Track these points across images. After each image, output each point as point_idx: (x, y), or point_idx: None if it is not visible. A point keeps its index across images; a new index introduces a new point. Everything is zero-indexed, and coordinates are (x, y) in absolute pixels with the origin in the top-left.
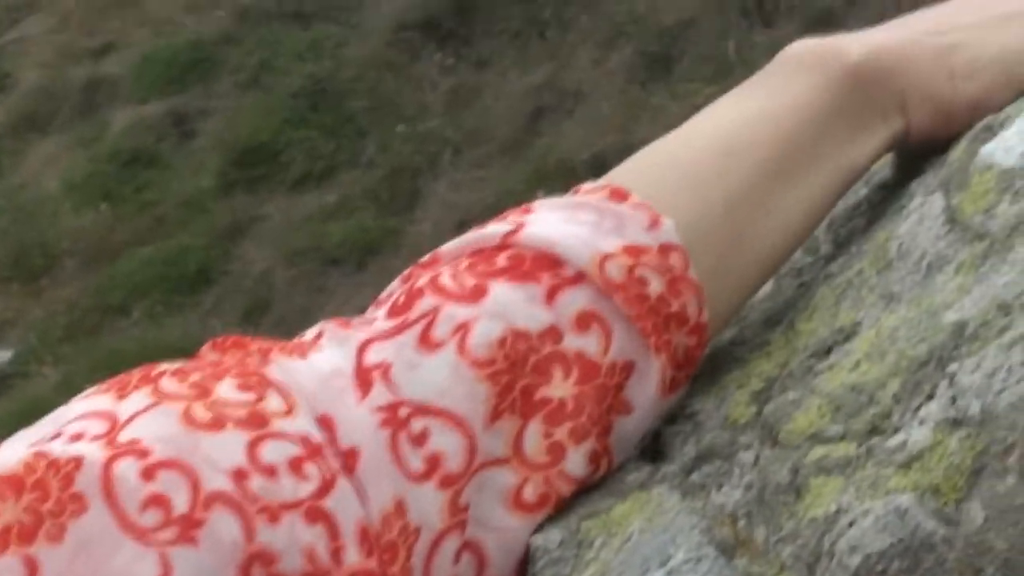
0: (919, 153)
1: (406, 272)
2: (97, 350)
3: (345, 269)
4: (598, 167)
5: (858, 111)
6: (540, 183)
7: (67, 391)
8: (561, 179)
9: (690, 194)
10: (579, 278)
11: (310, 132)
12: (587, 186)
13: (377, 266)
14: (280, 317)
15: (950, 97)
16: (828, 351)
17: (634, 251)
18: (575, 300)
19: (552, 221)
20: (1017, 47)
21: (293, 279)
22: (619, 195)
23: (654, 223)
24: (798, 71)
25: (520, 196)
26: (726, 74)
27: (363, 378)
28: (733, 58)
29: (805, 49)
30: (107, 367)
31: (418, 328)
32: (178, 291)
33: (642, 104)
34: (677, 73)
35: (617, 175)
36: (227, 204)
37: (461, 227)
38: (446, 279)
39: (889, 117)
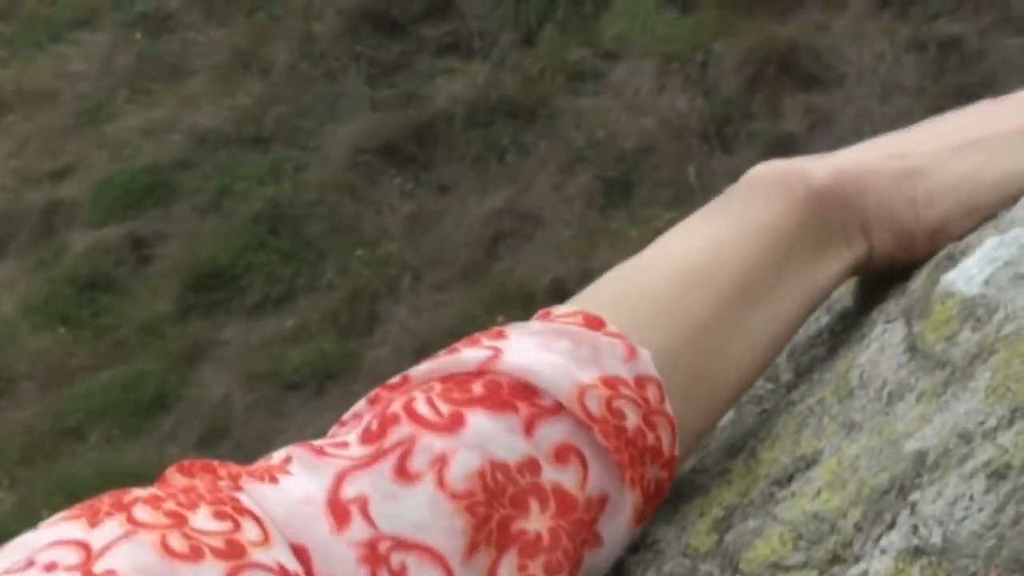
0: (880, 279)
1: (372, 393)
2: (53, 474)
3: (304, 394)
4: (557, 292)
5: (822, 234)
6: (500, 308)
7: (24, 515)
8: (520, 304)
9: (660, 320)
10: (557, 409)
11: (269, 256)
12: (560, 310)
13: (336, 390)
14: (238, 442)
15: (911, 223)
16: (789, 479)
17: (611, 383)
18: (554, 432)
19: (528, 348)
20: (976, 176)
21: (251, 404)
22: (594, 322)
23: (631, 354)
24: (763, 194)
25: (480, 321)
26: (686, 200)
27: (339, 510)
28: (693, 184)
29: (770, 171)
30: (64, 491)
31: (394, 457)
32: (135, 416)
33: (601, 230)
34: (637, 199)
35: (587, 300)
36: (185, 329)
37: (420, 352)
38: (421, 406)
39: (853, 241)
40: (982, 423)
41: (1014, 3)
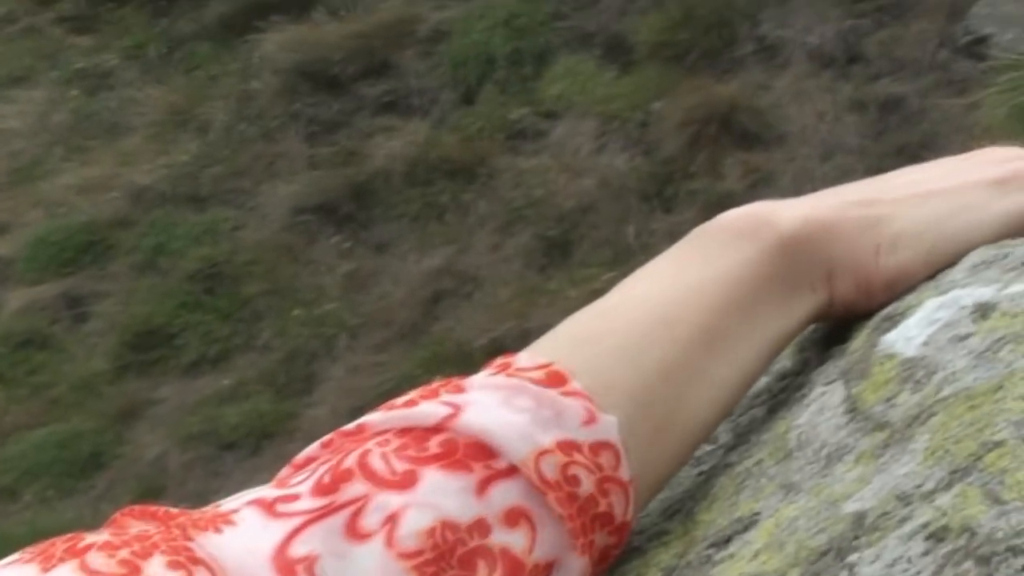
0: (819, 342)
1: (327, 438)
2: None
3: (240, 453)
4: (496, 353)
5: (788, 280)
6: (438, 368)
7: None
8: (459, 364)
9: (627, 365)
10: (512, 471)
11: (205, 315)
12: (522, 362)
13: (273, 450)
14: (174, 503)
15: (873, 270)
16: (727, 541)
17: (568, 447)
18: (506, 494)
19: (488, 405)
20: (939, 224)
21: (187, 463)
22: (557, 379)
23: (590, 419)
24: (732, 239)
25: (418, 381)
26: (625, 259)
27: (286, 567)
28: (633, 243)
29: (738, 217)
30: None
31: (346, 514)
32: (70, 475)
33: (540, 289)
34: (576, 258)
35: (551, 347)
36: (121, 387)
37: (357, 412)
38: (376, 461)
39: (816, 287)
40: (920, 485)
41: (955, 64)
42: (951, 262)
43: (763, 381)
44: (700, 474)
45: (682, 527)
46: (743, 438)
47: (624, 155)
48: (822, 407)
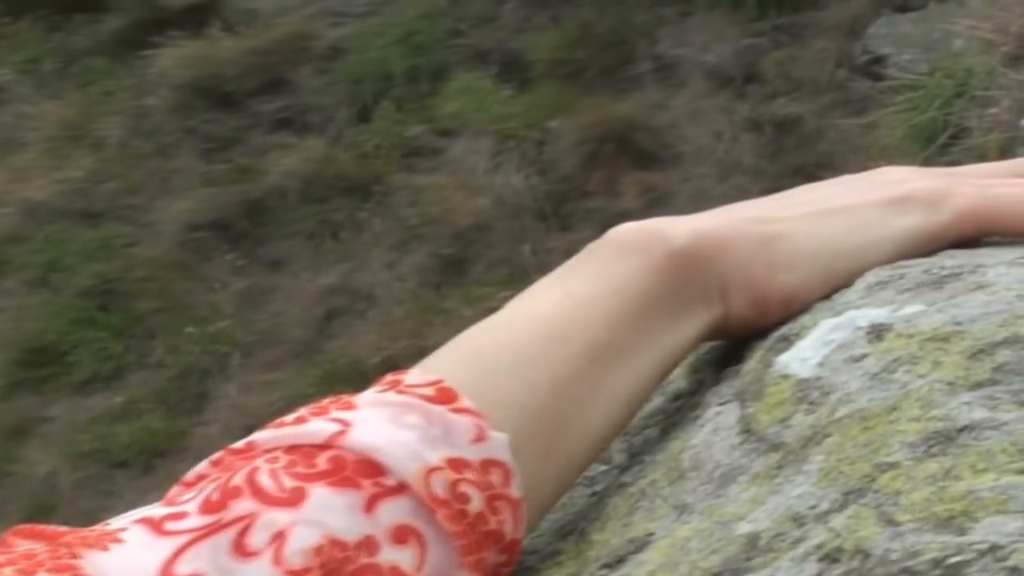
0: (714, 361)
1: (216, 455)
2: None
3: (131, 472)
4: (390, 371)
5: (681, 296)
6: (331, 386)
7: None
8: (353, 383)
9: (517, 381)
10: (400, 489)
11: (98, 332)
12: (412, 378)
13: (164, 469)
14: (65, 520)
15: (768, 287)
16: (620, 561)
17: (457, 465)
18: (394, 512)
19: (377, 422)
20: (836, 242)
21: (78, 482)
22: (446, 396)
23: (480, 436)
24: (623, 254)
25: (311, 399)
26: (520, 278)
27: None
28: (528, 262)
29: (630, 232)
30: None
31: (233, 532)
32: None
33: (435, 308)
34: (471, 277)
35: (443, 364)
36: (12, 404)
37: (250, 430)
38: (264, 478)
39: (710, 302)
40: (814, 506)
41: (852, 84)
42: (847, 281)
43: (657, 401)
44: (594, 494)
45: (575, 547)
46: (637, 458)
47: (520, 173)
48: (716, 428)
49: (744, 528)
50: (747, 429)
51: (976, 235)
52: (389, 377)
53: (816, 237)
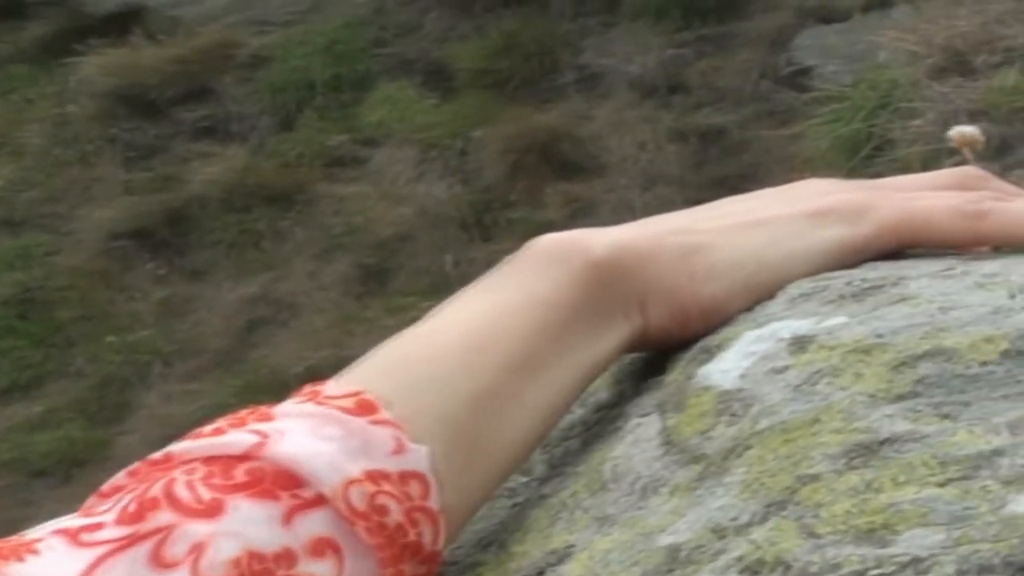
0: (635, 374)
1: (134, 466)
2: None
3: (51, 481)
4: (312, 381)
5: (601, 306)
6: (253, 396)
7: None
8: (274, 393)
9: (437, 391)
10: (319, 501)
11: (18, 341)
12: (332, 390)
13: (84, 478)
14: None
15: (688, 298)
16: (540, 573)
17: (376, 477)
18: (313, 524)
19: (297, 433)
20: (758, 254)
21: None
22: (366, 408)
23: (399, 448)
24: (543, 265)
25: (232, 409)
26: (442, 288)
27: None
28: (451, 272)
29: (550, 243)
30: None
31: (151, 543)
32: None
33: (357, 318)
34: (393, 287)
35: (363, 375)
36: None
37: (170, 440)
38: (182, 489)
39: (630, 314)
40: (735, 518)
41: (777, 95)
42: (769, 293)
43: (578, 413)
44: (515, 505)
45: (496, 559)
46: (558, 470)
47: (443, 183)
48: (637, 439)
49: (665, 540)
50: (669, 441)
51: (899, 247)
52: (308, 388)
53: (738, 249)
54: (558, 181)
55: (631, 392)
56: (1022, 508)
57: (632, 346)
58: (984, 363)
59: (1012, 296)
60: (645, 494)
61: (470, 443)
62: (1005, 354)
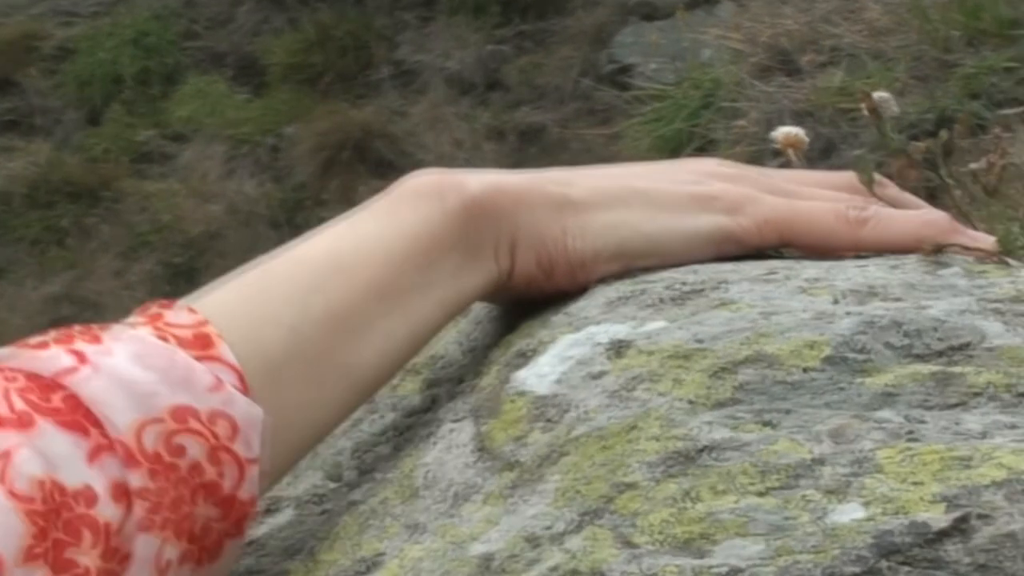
0: (452, 380)
1: None
2: None
3: None
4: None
5: (469, 244)
6: None
7: None
8: None
9: (291, 305)
10: (116, 444)
11: None
12: (175, 315)
13: None
14: None
15: (558, 250)
16: None
17: (184, 415)
18: (112, 467)
19: (116, 365)
20: (634, 223)
21: None
22: (202, 342)
23: (216, 386)
24: (415, 199)
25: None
26: None
27: None
28: None
29: (426, 179)
30: None
31: None
32: None
33: None
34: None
35: (216, 301)
36: None
37: None
38: None
39: (499, 255)
40: (550, 527)
41: (597, 93)
42: (640, 265)
43: (390, 417)
44: (323, 512)
45: (303, 567)
46: (368, 476)
47: (254, 181)
48: (450, 445)
49: (478, 549)
50: (482, 447)
51: (779, 244)
52: (154, 308)
53: (614, 213)
54: (372, 179)
55: (445, 397)
56: (843, 519)
57: (496, 288)
58: (806, 369)
59: (836, 301)
60: (457, 502)
61: (314, 357)
62: (828, 360)
